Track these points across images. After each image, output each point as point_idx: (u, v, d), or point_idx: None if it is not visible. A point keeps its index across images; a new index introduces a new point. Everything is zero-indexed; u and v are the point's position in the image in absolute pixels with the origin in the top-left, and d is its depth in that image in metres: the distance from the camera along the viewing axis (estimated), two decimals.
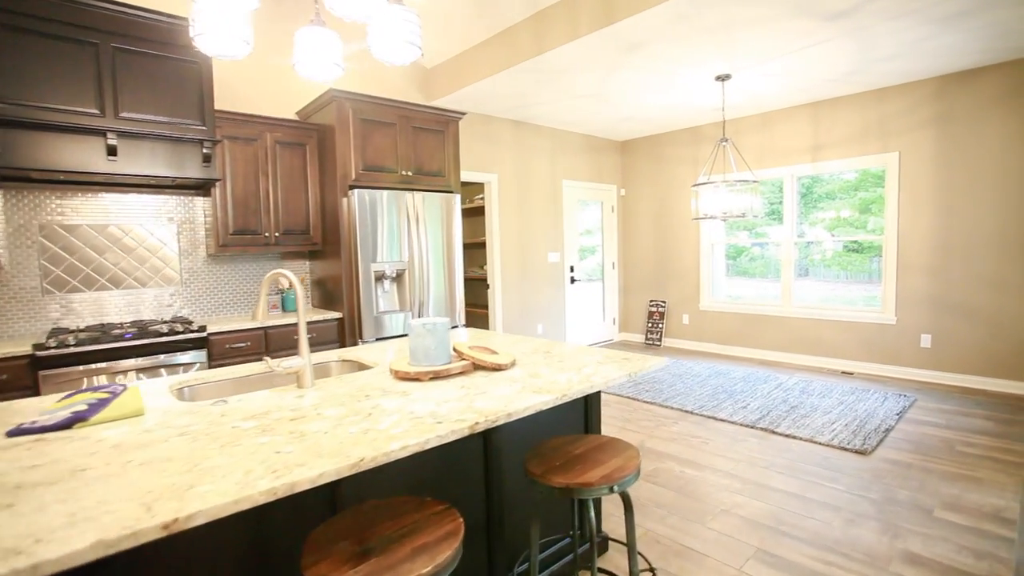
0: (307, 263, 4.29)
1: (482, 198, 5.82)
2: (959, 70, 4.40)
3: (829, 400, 4.18)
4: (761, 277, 6.13)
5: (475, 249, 6.67)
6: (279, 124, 3.75)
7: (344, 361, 2.32)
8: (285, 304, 4.00)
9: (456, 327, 4.23)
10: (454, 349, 1.96)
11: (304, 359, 1.74)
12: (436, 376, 1.78)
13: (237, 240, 3.64)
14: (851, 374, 5.04)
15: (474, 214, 6.45)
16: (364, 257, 3.72)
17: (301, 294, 1.73)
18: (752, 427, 3.67)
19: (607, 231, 6.90)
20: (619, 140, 6.92)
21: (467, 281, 6.73)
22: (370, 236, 3.73)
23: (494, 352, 2.03)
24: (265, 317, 1.79)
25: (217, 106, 3.80)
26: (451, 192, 4.26)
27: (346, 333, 3.75)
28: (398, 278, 3.91)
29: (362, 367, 2.23)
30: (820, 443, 3.32)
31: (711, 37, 3.59)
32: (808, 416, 3.82)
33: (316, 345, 3.71)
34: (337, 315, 3.79)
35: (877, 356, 4.99)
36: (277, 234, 3.79)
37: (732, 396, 4.39)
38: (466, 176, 5.27)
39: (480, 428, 1.35)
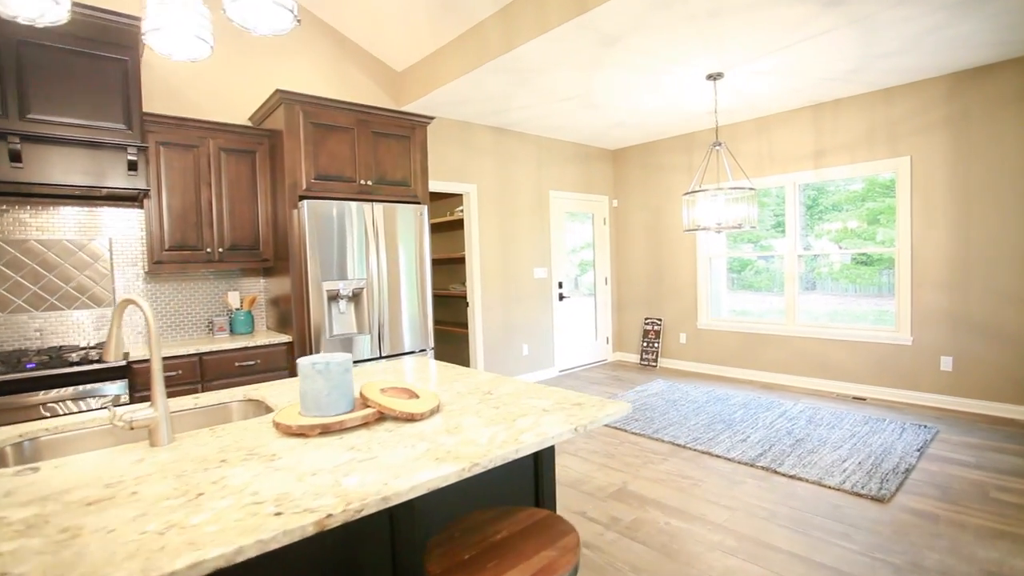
0: (262, 281, 3.93)
1: (462, 210, 5.47)
2: (973, 66, 4.02)
3: (839, 432, 3.74)
4: (767, 291, 5.71)
5: (455, 265, 6.31)
6: (223, 129, 3.42)
7: (248, 401, 1.93)
8: (234, 326, 3.63)
9: (423, 351, 3.84)
10: (360, 393, 1.57)
11: (158, 410, 1.35)
12: (326, 431, 1.38)
13: (174, 256, 3.28)
14: (863, 400, 4.58)
15: (454, 227, 6.10)
16: (315, 275, 3.35)
17: (153, 322, 1.35)
18: (752, 465, 3.23)
19: (599, 245, 6.52)
20: (610, 148, 6.57)
21: (447, 299, 6.36)
22: (323, 251, 3.37)
23: (414, 395, 1.64)
24: (118, 354, 1.42)
25: (159, 110, 3.48)
26: (418, 203, 3.90)
27: (296, 359, 3.36)
28: (355, 298, 3.54)
29: (268, 410, 1.84)
30: (830, 487, 2.88)
31: (697, 28, 3.23)
32: (816, 452, 3.38)
33: (262, 372, 3.32)
34: (286, 339, 3.41)
35: (892, 380, 4.54)
36: (221, 249, 3.43)
37: (731, 426, 3.95)
38: (442, 187, 4.92)
39: (334, 523, 0.95)
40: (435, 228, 6.33)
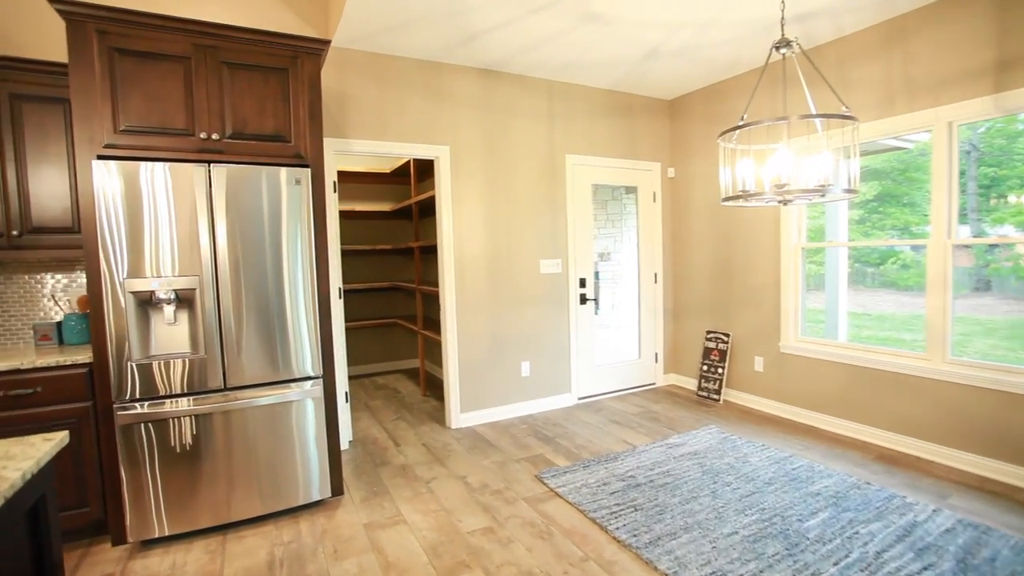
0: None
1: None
2: None
3: None
4: (918, 290, 3.73)
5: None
6: (18, 68, 2.48)
7: None
8: (63, 335, 2.73)
9: (313, 380, 2.64)
10: None
11: None
12: None
13: None
14: None
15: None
16: (113, 268, 2.30)
17: None
18: None
19: (646, 229, 4.83)
20: (666, 98, 4.82)
21: (424, 297, 5.08)
22: (129, 236, 2.30)
23: None
24: None
25: None
26: (303, 166, 2.68)
27: (100, 388, 2.34)
28: (187, 303, 2.43)
29: None
30: None
31: None
32: None
33: (44, 406, 2.35)
34: (84, 359, 2.41)
35: None
36: (16, 232, 2.51)
37: (794, 553, 2.24)
38: (397, 149, 3.66)
39: None
40: (423, 209, 5.10)
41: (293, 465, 2.64)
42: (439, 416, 4.23)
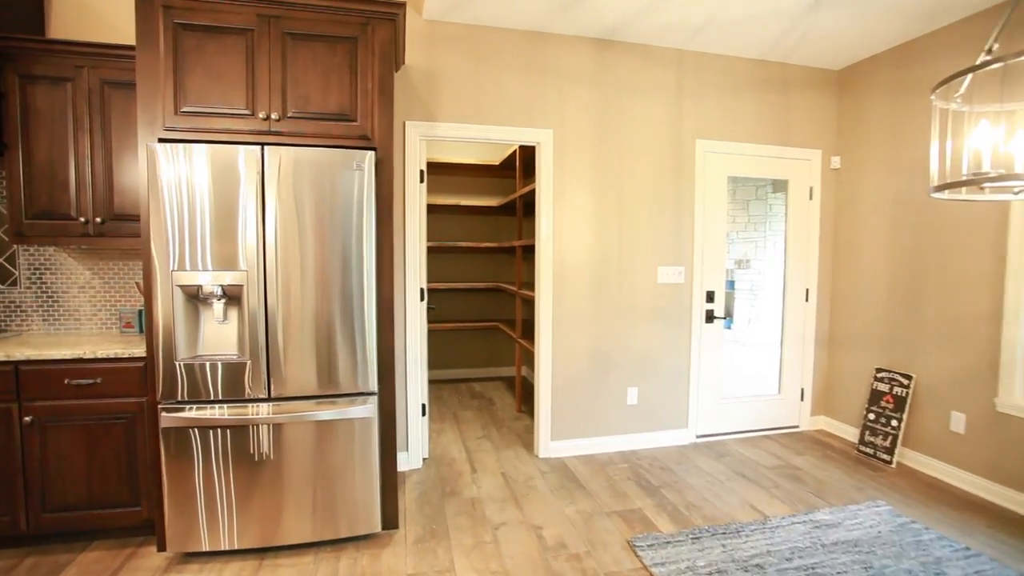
0: None
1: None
2: None
3: None
4: None
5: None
6: (108, 54, 2.45)
7: None
8: (143, 323, 2.71)
9: (360, 396, 2.30)
10: None
11: None
12: None
13: (42, 228, 2.46)
14: None
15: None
16: (161, 259, 2.13)
17: None
18: None
19: (797, 234, 3.85)
20: (833, 68, 3.79)
21: (524, 302, 4.52)
22: (179, 224, 2.13)
23: None
24: None
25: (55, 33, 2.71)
26: (368, 148, 2.34)
27: (150, 385, 2.21)
28: (235, 301, 2.21)
29: None
30: None
31: None
32: None
33: (103, 398, 2.28)
34: (139, 353, 2.30)
35: None
36: (99, 220, 2.49)
37: None
38: (490, 133, 3.22)
39: None
40: (527, 205, 4.59)
41: (338, 492, 2.31)
42: (528, 440, 3.73)
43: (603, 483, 3.02)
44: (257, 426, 2.22)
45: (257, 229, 2.16)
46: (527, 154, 4.24)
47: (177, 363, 2.16)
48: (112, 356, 2.27)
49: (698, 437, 3.71)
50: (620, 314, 3.50)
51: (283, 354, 2.23)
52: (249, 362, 2.20)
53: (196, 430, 2.18)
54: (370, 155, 2.26)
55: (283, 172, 2.18)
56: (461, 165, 5.11)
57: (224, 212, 2.15)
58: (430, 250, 5.38)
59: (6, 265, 2.72)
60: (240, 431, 2.21)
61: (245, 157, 2.14)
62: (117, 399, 2.29)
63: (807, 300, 3.88)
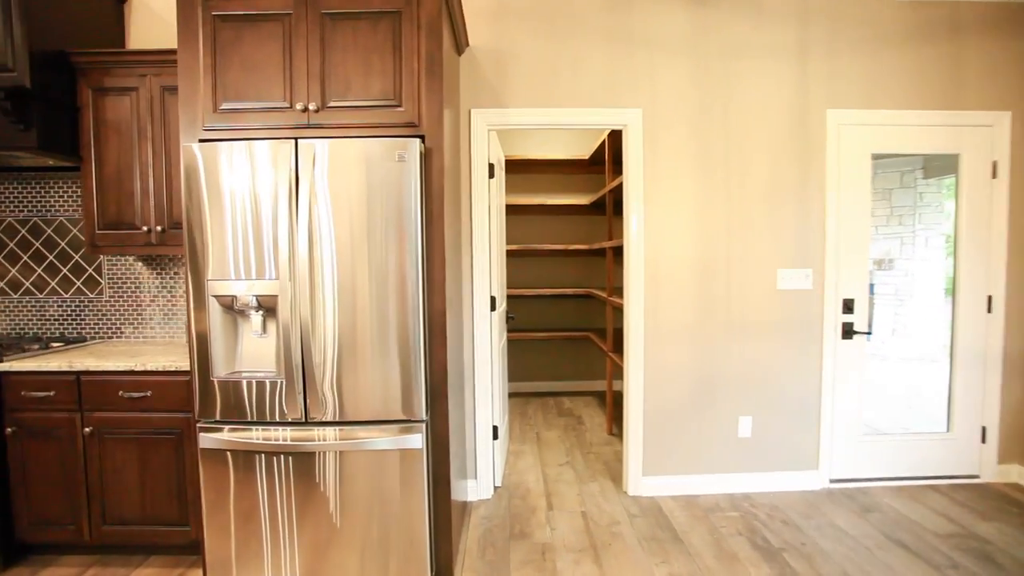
0: None
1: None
2: None
3: None
4: None
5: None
6: (167, 60, 2.40)
7: None
8: None
9: (406, 424, 2.00)
10: None
11: None
12: None
13: (111, 238, 2.47)
14: None
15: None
16: (197, 266, 1.99)
17: None
18: None
19: (973, 223, 2.95)
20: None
21: (616, 310, 3.93)
22: (213, 228, 1.97)
23: None
24: None
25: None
26: (416, 136, 2.03)
27: (193, 403, 2.09)
28: (273, 313, 2.01)
29: None
30: None
31: None
32: None
33: (156, 412, 2.21)
34: (184, 368, 2.19)
35: None
36: (159, 228, 2.45)
37: None
38: (567, 117, 2.79)
39: None
40: (617, 201, 4.02)
41: (382, 531, 2.02)
42: (616, 470, 3.22)
43: (706, 536, 2.44)
44: (290, 454, 2.00)
45: (291, 233, 1.94)
46: (617, 143, 3.74)
47: (214, 379, 2.00)
48: (160, 369, 2.19)
49: (832, 482, 2.97)
50: (729, 327, 2.89)
51: (319, 374, 1.99)
52: (282, 381, 1.98)
53: (231, 453, 2.00)
54: (415, 143, 1.95)
55: (318, 167, 1.94)
56: (546, 161, 4.72)
57: (257, 215, 1.96)
58: (513, 254, 5.05)
59: (95, 275, 2.80)
60: (274, 457, 2.00)
61: (277, 153, 1.93)
62: (166, 413, 2.20)
63: (990, 311, 2.96)
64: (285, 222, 1.92)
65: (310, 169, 1.93)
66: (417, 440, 2.00)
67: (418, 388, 2.00)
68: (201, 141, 2.05)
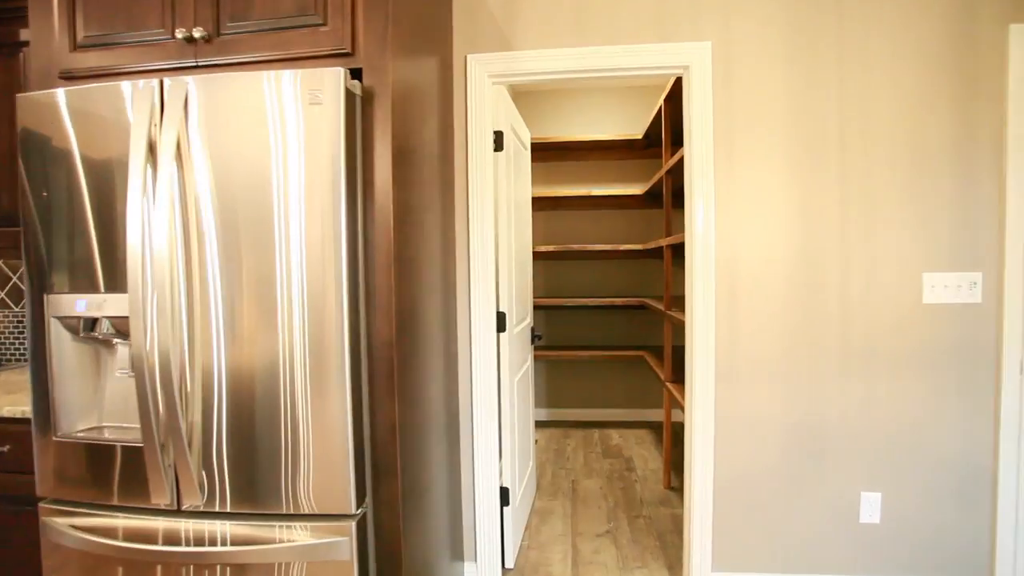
0: None
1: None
2: None
3: None
4: None
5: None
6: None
7: None
8: None
9: (337, 520, 1.27)
10: None
11: None
12: None
13: None
14: None
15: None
16: (34, 276, 1.35)
17: None
18: None
19: None
20: None
21: (675, 326, 2.98)
22: (52, 215, 1.33)
23: None
24: None
25: None
26: (347, 68, 1.29)
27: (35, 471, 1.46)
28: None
29: None
30: None
31: None
32: None
33: (8, 472, 1.59)
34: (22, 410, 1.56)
35: None
36: None
37: None
38: (601, 60, 1.98)
39: None
40: (677, 189, 3.09)
41: None
42: (673, 553, 2.35)
43: None
44: (155, 561, 1.31)
45: (144, 222, 1.26)
46: (677, 110, 2.86)
47: (56, 439, 1.36)
48: (20, 416, 1.57)
49: None
50: (845, 359, 1.96)
51: (196, 437, 1.29)
52: (143, 445, 1.30)
53: (80, 552, 1.35)
54: (336, 75, 1.21)
55: (192, 119, 1.25)
56: (590, 144, 3.88)
57: (107, 199, 1.30)
58: (548, 256, 4.25)
59: None
60: (133, 565, 1.32)
61: (136, 101, 1.25)
62: (25, 476, 1.59)
63: None
64: (137, 204, 1.24)
65: (179, 121, 1.24)
66: (342, 548, 1.26)
67: (343, 463, 1.26)
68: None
